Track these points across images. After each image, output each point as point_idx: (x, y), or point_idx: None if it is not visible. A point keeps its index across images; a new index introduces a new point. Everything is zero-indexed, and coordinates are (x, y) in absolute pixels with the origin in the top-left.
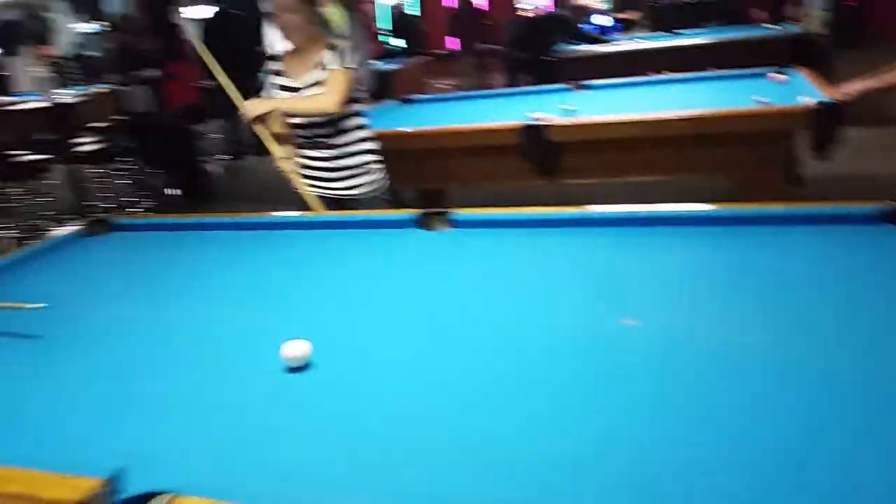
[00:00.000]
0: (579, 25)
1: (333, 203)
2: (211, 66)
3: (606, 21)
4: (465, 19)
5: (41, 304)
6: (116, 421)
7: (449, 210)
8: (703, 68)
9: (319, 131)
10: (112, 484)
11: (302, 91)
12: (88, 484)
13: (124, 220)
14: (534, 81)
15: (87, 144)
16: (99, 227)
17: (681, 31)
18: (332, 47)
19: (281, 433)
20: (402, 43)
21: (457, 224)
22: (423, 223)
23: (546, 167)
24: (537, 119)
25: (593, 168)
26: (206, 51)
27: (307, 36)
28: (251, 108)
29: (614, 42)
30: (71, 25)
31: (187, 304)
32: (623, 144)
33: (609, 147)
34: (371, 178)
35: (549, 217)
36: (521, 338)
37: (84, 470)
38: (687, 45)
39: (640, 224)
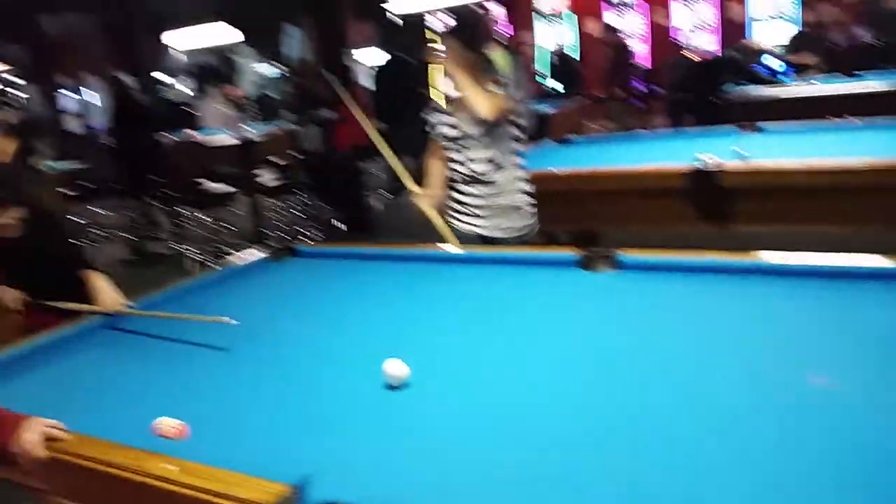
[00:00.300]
0: (751, 66)
1: (482, 241)
2: (376, 142)
3: (778, 65)
4: (617, 61)
5: (235, 321)
6: (299, 431)
7: (614, 251)
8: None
9: (478, 167)
10: (299, 490)
11: (466, 127)
12: (278, 489)
13: (306, 247)
14: (698, 123)
15: (267, 178)
16: (284, 253)
17: (861, 73)
18: (496, 82)
19: (454, 458)
20: (559, 85)
21: (622, 266)
22: (585, 264)
23: (715, 212)
24: (707, 162)
25: (767, 216)
26: (355, 105)
27: (473, 80)
28: (421, 202)
29: (787, 84)
30: (254, 68)
31: (361, 327)
32: (801, 192)
33: (786, 194)
34: (523, 219)
35: (723, 264)
36: (695, 392)
37: (271, 475)
38: (868, 91)
39: (823, 277)
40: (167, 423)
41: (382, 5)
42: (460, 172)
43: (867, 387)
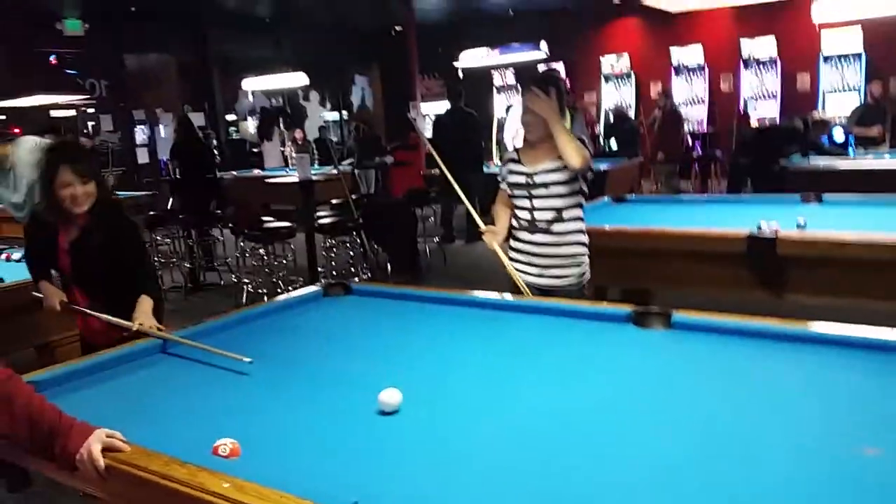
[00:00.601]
0: (818, 137)
1: (535, 290)
2: (454, 185)
3: (840, 136)
4: (664, 125)
5: (250, 359)
6: (346, 459)
7: (668, 310)
8: None
9: (544, 216)
10: None
11: (536, 176)
12: None
13: (359, 286)
14: (757, 190)
15: (325, 217)
16: (339, 289)
17: None
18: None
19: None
20: (613, 143)
21: (675, 325)
22: (637, 320)
23: (771, 280)
24: (765, 229)
25: (823, 287)
26: (437, 153)
27: (546, 133)
28: (489, 239)
29: (851, 157)
30: (319, 113)
31: (408, 365)
32: (860, 265)
33: (844, 266)
34: (578, 270)
35: (779, 331)
36: (751, 457)
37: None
38: None
39: (881, 350)
40: (224, 443)
41: (454, 63)
42: (524, 220)
43: None
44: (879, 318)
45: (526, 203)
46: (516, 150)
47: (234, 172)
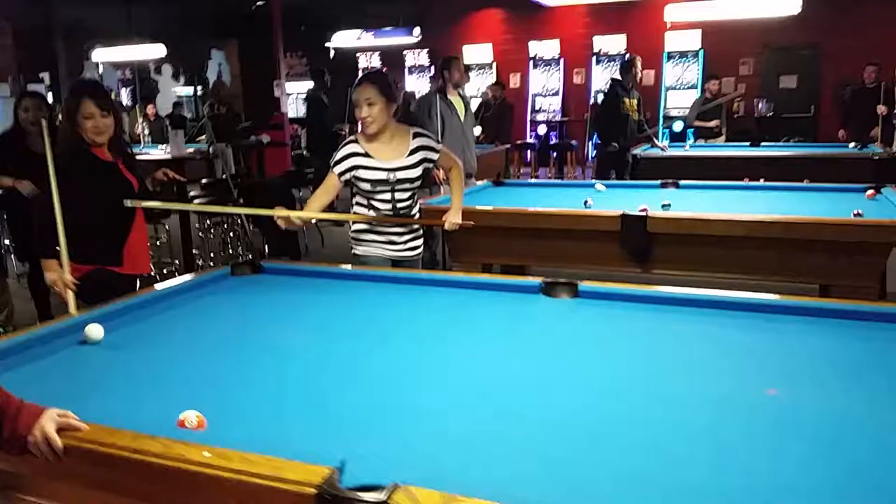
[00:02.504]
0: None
1: (394, 263)
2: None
3: (678, 128)
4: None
5: None
6: (314, 425)
7: (575, 280)
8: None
9: (404, 203)
10: (338, 472)
11: (398, 172)
12: (322, 470)
13: (272, 264)
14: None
15: (199, 197)
16: (246, 268)
17: (766, 143)
18: (421, 134)
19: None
20: (478, 130)
21: (581, 294)
22: (547, 291)
23: (641, 255)
24: (641, 210)
25: (686, 261)
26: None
27: (384, 123)
28: (285, 220)
29: (689, 148)
30: (173, 88)
31: (343, 337)
32: (722, 242)
33: (706, 243)
34: (421, 241)
35: (674, 296)
36: (672, 408)
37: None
38: (773, 156)
39: (769, 311)
40: (190, 415)
41: (325, 43)
42: (386, 210)
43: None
44: (734, 287)
45: (387, 196)
46: (353, 141)
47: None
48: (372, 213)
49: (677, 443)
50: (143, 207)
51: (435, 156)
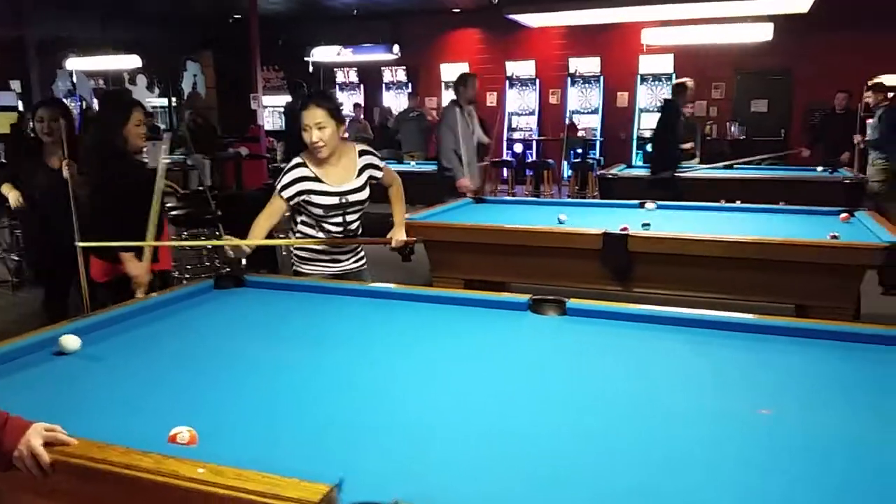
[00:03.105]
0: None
1: (341, 277)
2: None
3: (650, 147)
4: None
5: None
6: (310, 440)
7: (562, 298)
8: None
9: (354, 224)
10: (337, 490)
11: (350, 195)
12: (320, 488)
13: (254, 277)
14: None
15: (176, 209)
16: (230, 282)
17: (737, 165)
18: (366, 152)
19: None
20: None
21: (569, 311)
22: (535, 308)
23: (622, 274)
24: (622, 230)
25: (667, 280)
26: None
27: (336, 146)
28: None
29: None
30: (147, 99)
31: (331, 351)
32: (701, 262)
33: (686, 263)
34: (363, 253)
35: (662, 315)
36: (664, 423)
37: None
38: (748, 178)
39: (752, 331)
40: (181, 431)
41: (305, 58)
42: (336, 232)
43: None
44: (713, 307)
45: (339, 219)
46: (302, 164)
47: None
48: (321, 234)
49: (668, 459)
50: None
51: (379, 173)
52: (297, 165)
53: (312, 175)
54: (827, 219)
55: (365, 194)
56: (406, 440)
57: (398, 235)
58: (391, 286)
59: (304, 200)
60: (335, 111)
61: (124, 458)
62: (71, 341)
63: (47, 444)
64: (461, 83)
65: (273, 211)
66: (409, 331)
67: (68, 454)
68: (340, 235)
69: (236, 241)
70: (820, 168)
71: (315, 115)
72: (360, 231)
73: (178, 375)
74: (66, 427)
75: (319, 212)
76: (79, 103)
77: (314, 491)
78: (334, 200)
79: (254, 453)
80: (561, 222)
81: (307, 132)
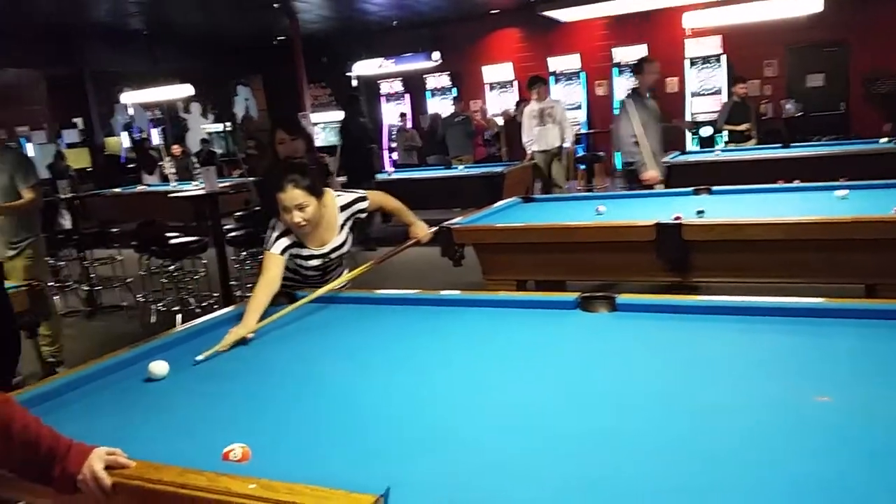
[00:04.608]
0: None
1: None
2: None
3: (706, 133)
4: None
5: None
6: (357, 452)
7: (612, 294)
8: (828, 179)
9: (338, 271)
10: (384, 500)
11: (331, 254)
12: (368, 499)
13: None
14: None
15: (234, 230)
16: (281, 298)
17: (798, 144)
18: (347, 205)
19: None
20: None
21: (619, 308)
22: (584, 306)
23: (678, 264)
24: (674, 218)
25: (725, 268)
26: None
27: (319, 217)
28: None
29: (720, 152)
30: (202, 125)
31: (387, 364)
32: (760, 247)
33: (744, 248)
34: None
35: (712, 305)
36: (722, 416)
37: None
38: (805, 156)
39: (812, 315)
40: (233, 448)
41: (346, 73)
42: (317, 281)
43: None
44: (776, 292)
45: (320, 272)
46: (287, 233)
47: (118, 189)
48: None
49: (727, 456)
50: None
51: (364, 204)
52: (283, 235)
53: (298, 242)
54: (892, 192)
55: (348, 244)
56: (457, 449)
57: (419, 231)
58: (430, 293)
59: (290, 255)
60: (312, 187)
61: (179, 478)
62: (160, 367)
63: (108, 468)
64: (637, 71)
65: (272, 278)
66: (454, 337)
67: (127, 476)
68: (319, 276)
69: (242, 333)
70: (883, 140)
71: (294, 197)
72: (342, 263)
73: (230, 391)
74: (127, 448)
75: (304, 271)
76: (138, 134)
77: (361, 502)
78: (318, 262)
79: (305, 467)
80: (599, 213)
81: (288, 214)
